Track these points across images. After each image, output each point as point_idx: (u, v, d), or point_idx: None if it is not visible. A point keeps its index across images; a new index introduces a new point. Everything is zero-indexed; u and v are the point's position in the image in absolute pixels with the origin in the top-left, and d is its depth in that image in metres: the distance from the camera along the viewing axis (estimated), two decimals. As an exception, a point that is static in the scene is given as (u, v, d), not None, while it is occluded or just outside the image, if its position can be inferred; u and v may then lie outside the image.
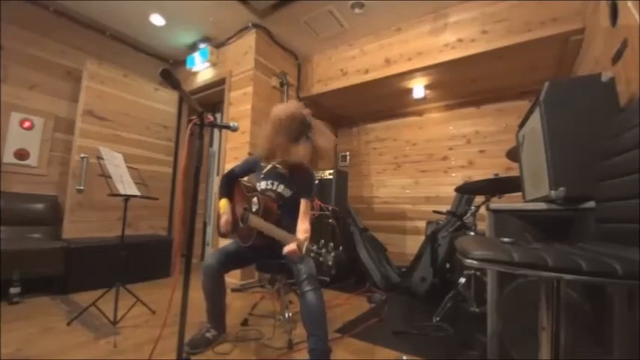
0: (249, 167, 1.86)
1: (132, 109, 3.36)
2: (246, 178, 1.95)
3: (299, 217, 1.62)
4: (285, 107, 1.66)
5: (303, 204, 1.64)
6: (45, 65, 3.04)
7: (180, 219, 1.31)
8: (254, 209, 1.62)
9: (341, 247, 1.26)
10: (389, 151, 4.16)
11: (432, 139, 3.84)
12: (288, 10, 2.95)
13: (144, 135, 3.46)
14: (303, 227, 1.58)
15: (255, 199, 1.63)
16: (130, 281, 2.28)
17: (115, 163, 2.16)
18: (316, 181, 1.79)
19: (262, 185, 1.73)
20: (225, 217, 1.72)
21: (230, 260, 1.66)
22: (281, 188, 1.70)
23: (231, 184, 1.87)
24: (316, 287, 1.44)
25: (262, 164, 1.77)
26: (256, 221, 1.53)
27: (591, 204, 1.08)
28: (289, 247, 1.32)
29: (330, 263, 1.17)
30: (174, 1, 2.86)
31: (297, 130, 1.57)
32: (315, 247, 1.22)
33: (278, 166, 1.72)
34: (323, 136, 1.68)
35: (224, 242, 1.81)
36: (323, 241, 1.23)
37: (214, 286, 1.62)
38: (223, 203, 1.78)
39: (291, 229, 1.56)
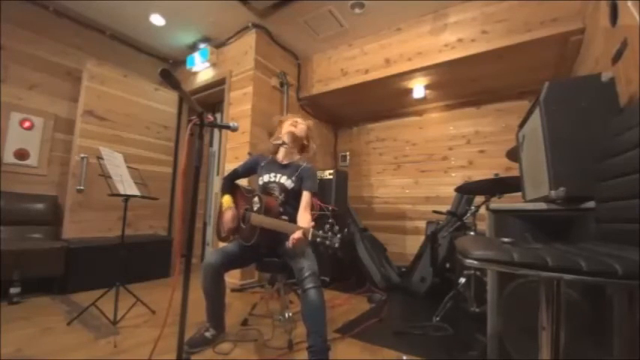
0: (251, 166, 1.88)
1: (132, 109, 3.36)
2: (246, 182, 1.96)
3: (300, 208, 1.63)
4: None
5: (306, 196, 1.65)
6: (45, 65, 3.04)
7: (180, 219, 1.31)
8: (255, 208, 1.62)
9: (346, 230, 1.28)
10: (389, 151, 4.16)
11: (432, 139, 3.84)
12: (288, 10, 2.95)
13: (144, 135, 3.46)
14: (306, 217, 1.58)
15: (256, 199, 1.64)
16: (130, 281, 2.27)
17: (115, 163, 2.16)
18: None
19: (265, 178, 1.75)
20: (230, 212, 1.73)
21: (230, 260, 1.66)
22: (283, 179, 1.72)
23: (233, 183, 1.88)
24: (318, 285, 1.44)
25: (267, 158, 1.81)
26: (258, 218, 1.54)
27: (591, 204, 1.08)
28: (295, 235, 1.33)
29: (336, 245, 1.18)
30: (174, 1, 2.86)
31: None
32: (320, 232, 1.23)
33: (285, 142, 1.78)
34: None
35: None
36: (328, 225, 1.23)
37: (213, 285, 1.62)
38: (227, 199, 1.80)
39: (294, 222, 1.57)
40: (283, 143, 1.79)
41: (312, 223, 1.43)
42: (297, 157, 1.80)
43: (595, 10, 1.93)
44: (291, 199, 1.68)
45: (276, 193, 1.70)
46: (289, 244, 1.38)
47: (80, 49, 3.25)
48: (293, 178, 1.72)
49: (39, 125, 2.97)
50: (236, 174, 1.90)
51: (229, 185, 1.88)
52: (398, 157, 4.07)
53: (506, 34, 2.51)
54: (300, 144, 1.84)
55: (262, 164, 1.83)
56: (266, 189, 1.73)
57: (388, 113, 4.12)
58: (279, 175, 1.74)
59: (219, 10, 3.00)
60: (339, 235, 1.19)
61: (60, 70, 3.14)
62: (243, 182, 2.01)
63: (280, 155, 1.82)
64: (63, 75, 3.15)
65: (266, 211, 1.57)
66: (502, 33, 2.53)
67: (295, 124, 1.81)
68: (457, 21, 2.77)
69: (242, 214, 1.71)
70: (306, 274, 1.44)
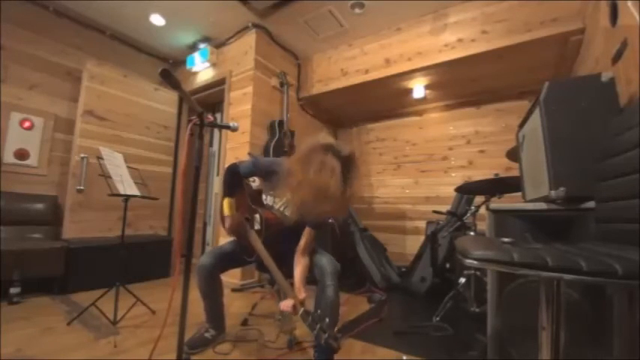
0: (254, 173, 1.65)
1: (132, 109, 3.36)
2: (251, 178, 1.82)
3: (299, 247, 1.48)
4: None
5: (307, 233, 1.48)
6: (45, 65, 3.04)
7: (180, 219, 1.30)
8: (256, 227, 1.54)
9: (339, 334, 1.12)
10: (389, 151, 4.16)
11: (432, 139, 3.84)
12: (288, 10, 2.95)
13: (144, 135, 3.46)
14: (301, 266, 1.43)
15: (257, 217, 1.54)
16: (130, 281, 2.28)
17: (115, 163, 2.16)
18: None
19: (268, 200, 1.62)
20: (230, 221, 1.57)
21: (225, 260, 1.63)
22: (288, 211, 1.56)
23: (236, 183, 1.65)
24: (337, 285, 1.39)
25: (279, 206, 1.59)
26: (262, 253, 1.44)
27: (591, 204, 1.08)
28: (286, 304, 1.24)
29: (322, 343, 1.04)
30: (174, 1, 2.86)
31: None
32: (310, 319, 1.11)
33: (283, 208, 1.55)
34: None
35: (224, 241, 1.80)
36: (319, 311, 1.11)
37: (208, 286, 1.60)
38: (227, 204, 1.60)
39: (292, 252, 1.50)
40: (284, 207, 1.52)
41: (302, 295, 1.30)
42: None
43: (595, 10, 1.93)
44: (293, 230, 1.52)
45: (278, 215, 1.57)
46: (280, 307, 1.28)
47: (80, 49, 3.25)
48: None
49: (39, 125, 2.97)
50: (237, 172, 1.61)
51: (231, 185, 1.64)
52: (398, 157, 4.07)
53: (506, 34, 2.51)
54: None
55: (269, 177, 1.57)
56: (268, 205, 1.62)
57: (388, 113, 4.13)
58: (284, 205, 1.57)
59: (219, 10, 3.00)
60: (325, 335, 1.04)
61: (60, 70, 3.13)
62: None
63: None
64: (63, 75, 3.15)
65: (267, 230, 1.50)
66: (502, 33, 2.53)
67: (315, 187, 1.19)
68: (457, 21, 2.77)
69: (243, 225, 1.59)
70: (328, 270, 1.39)
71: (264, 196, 1.67)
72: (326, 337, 1.05)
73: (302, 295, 1.32)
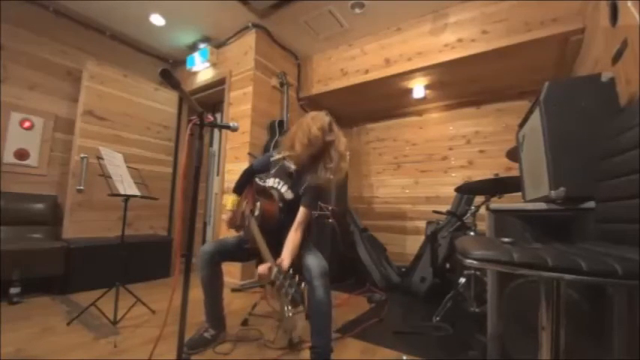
0: (266, 163, 1.80)
1: (132, 109, 3.36)
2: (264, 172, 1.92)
3: (292, 226, 1.52)
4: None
5: (301, 213, 1.54)
6: (45, 65, 3.04)
7: (180, 219, 1.30)
8: (256, 213, 1.58)
9: (303, 284, 1.17)
10: (389, 151, 4.16)
11: (432, 139, 3.84)
12: (288, 10, 2.95)
13: (144, 135, 3.46)
14: (292, 241, 1.46)
15: (258, 203, 1.60)
16: (130, 281, 2.28)
17: (115, 163, 2.16)
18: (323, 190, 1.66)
19: (270, 182, 1.70)
20: (228, 215, 1.74)
21: (226, 250, 1.67)
22: (284, 189, 1.62)
23: (247, 181, 1.83)
24: (328, 285, 1.40)
25: (279, 163, 1.71)
26: (254, 230, 1.49)
27: (591, 204, 1.08)
28: (263, 267, 1.28)
29: (287, 298, 1.09)
30: (174, 1, 2.86)
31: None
32: (281, 277, 1.15)
33: (286, 159, 1.66)
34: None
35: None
36: (292, 271, 1.15)
37: (208, 274, 1.61)
38: (229, 199, 1.78)
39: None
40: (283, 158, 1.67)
41: (288, 261, 1.35)
42: (308, 167, 1.61)
43: (595, 10, 1.93)
44: (290, 210, 1.58)
45: (276, 198, 1.63)
46: (257, 271, 1.33)
47: (80, 49, 3.25)
48: (295, 190, 1.61)
49: (39, 125, 2.97)
50: (251, 170, 1.85)
51: (242, 183, 1.84)
52: (398, 157, 4.07)
53: (506, 34, 2.51)
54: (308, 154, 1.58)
55: (273, 169, 1.72)
56: (268, 192, 1.68)
57: (388, 113, 4.12)
58: (282, 183, 1.64)
59: (219, 10, 3.00)
60: (293, 289, 1.11)
61: (60, 70, 3.14)
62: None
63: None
64: (63, 75, 3.15)
65: (263, 218, 1.53)
66: (502, 33, 2.53)
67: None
68: (457, 21, 2.77)
69: (246, 216, 1.68)
70: (316, 272, 1.40)
71: (267, 180, 1.72)
72: (292, 291, 1.11)
73: (285, 263, 1.34)
